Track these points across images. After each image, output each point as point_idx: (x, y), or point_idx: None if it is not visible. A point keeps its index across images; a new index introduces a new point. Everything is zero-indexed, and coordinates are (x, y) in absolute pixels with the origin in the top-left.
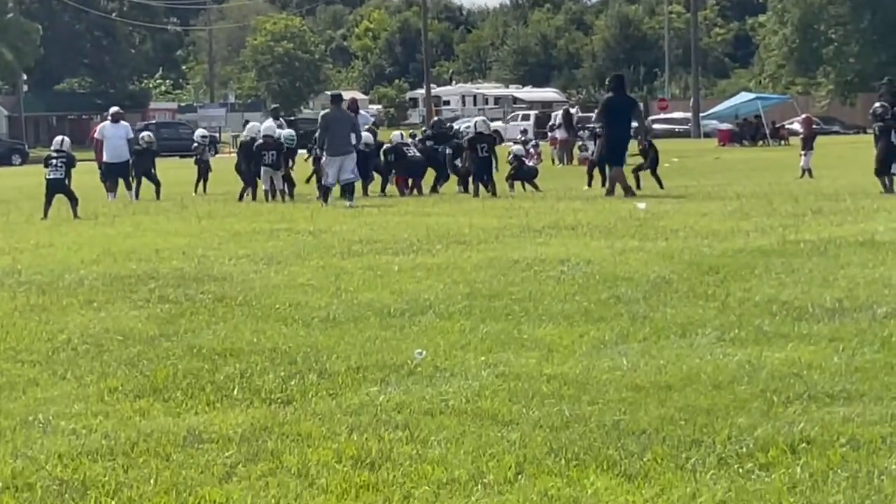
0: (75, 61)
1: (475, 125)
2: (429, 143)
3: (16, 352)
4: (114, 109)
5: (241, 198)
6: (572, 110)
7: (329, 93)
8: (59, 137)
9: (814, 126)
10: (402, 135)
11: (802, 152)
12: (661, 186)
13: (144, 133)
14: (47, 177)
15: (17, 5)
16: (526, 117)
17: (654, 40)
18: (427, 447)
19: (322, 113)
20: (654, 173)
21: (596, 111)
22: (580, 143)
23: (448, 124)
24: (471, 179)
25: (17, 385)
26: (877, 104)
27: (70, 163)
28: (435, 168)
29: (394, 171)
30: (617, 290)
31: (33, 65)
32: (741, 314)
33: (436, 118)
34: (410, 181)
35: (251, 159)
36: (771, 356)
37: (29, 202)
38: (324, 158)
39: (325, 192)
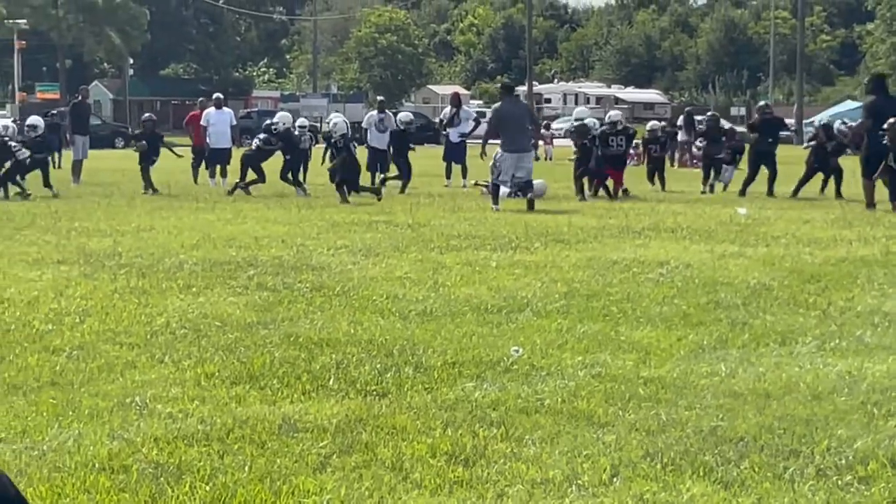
0: (181, 47)
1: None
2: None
3: (115, 334)
4: (217, 95)
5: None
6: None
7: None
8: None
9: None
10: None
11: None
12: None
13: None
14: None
15: None
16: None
17: (759, 45)
18: (522, 445)
19: (494, 106)
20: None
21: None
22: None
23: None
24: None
25: (115, 367)
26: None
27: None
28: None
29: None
30: (716, 294)
31: (140, 49)
32: (842, 324)
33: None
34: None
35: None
36: (872, 368)
37: (131, 185)
38: (498, 154)
39: (495, 190)
